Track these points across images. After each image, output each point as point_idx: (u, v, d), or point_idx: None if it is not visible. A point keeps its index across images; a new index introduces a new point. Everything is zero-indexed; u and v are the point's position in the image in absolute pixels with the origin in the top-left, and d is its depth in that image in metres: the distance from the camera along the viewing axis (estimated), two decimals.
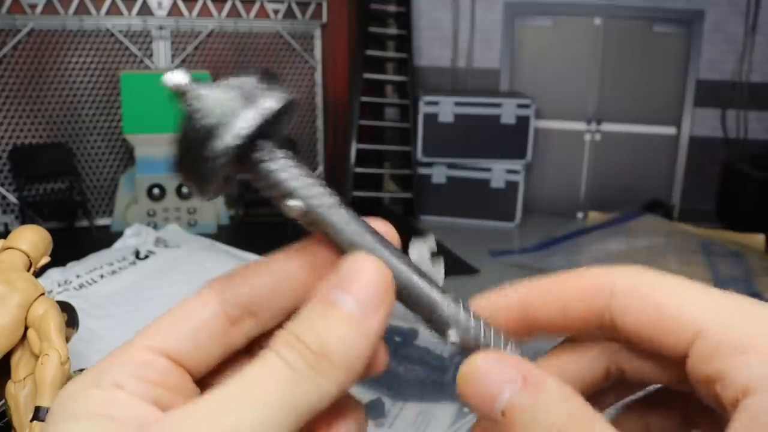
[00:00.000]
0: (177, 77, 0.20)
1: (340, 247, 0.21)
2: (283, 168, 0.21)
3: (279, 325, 0.22)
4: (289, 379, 0.19)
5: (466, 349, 0.22)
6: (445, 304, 0.22)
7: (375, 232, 0.21)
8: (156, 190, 2.26)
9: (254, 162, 0.21)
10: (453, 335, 0.22)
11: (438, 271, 0.23)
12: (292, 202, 0.21)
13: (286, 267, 0.22)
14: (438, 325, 0.22)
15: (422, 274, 0.22)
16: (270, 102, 0.20)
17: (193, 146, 0.20)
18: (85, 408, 0.20)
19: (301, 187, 0.21)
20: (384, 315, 0.20)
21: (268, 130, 0.21)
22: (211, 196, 0.21)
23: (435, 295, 0.22)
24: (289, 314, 0.22)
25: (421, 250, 0.23)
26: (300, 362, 0.19)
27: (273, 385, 0.19)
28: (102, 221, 2.45)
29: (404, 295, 0.22)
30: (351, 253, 0.21)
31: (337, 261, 0.21)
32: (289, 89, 0.21)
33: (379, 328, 0.20)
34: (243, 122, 0.19)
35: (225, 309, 0.22)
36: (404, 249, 0.25)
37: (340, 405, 0.23)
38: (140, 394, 0.21)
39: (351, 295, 0.20)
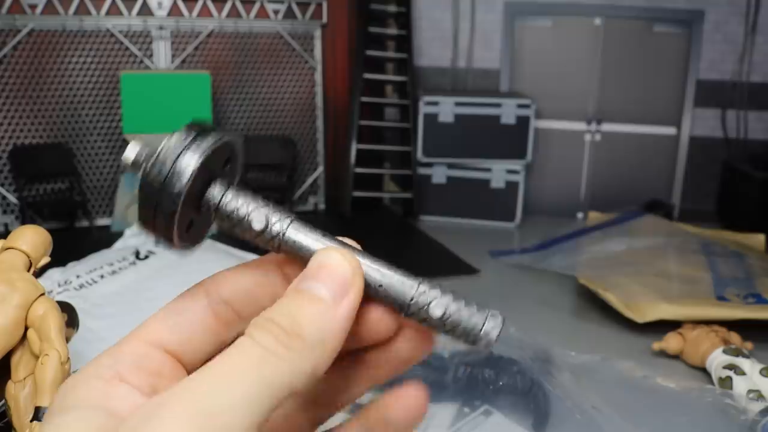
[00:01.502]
0: (131, 150, 0.23)
1: (303, 261, 0.24)
2: (232, 207, 0.24)
3: None
4: (262, 358, 0.20)
5: (451, 325, 0.24)
6: (419, 286, 0.24)
7: (337, 239, 0.24)
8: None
9: (207, 207, 0.24)
10: (436, 309, 0.24)
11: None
12: (250, 235, 0.24)
13: (263, 269, 0.24)
14: (418, 308, 0.24)
15: (390, 267, 0.24)
16: (208, 143, 0.22)
17: (146, 204, 0.23)
18: (84, 399, 0.21)
19: (255, 217, 0.23)
20: (353, 299, 0.21)
21: (210, 175, 0.24)
22: (181, 246, 0.24)
23: (407, 280, 0.24)
24: None
25: None
26: (273, 342, 0.20)
27: (247, 364, 0.19)
28: (102, 221, 2.45)
29: (380, 291, 0.24)
30: (320, 252, 0.23)
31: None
32: (221, 132, 0.24)
33: (348, 311, 0.21)
34: (178, 180, 0.22)
35: (212, 306, 0.24)
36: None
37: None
38: (139, 384, 0.22)
39: (319, 282, 0.21)
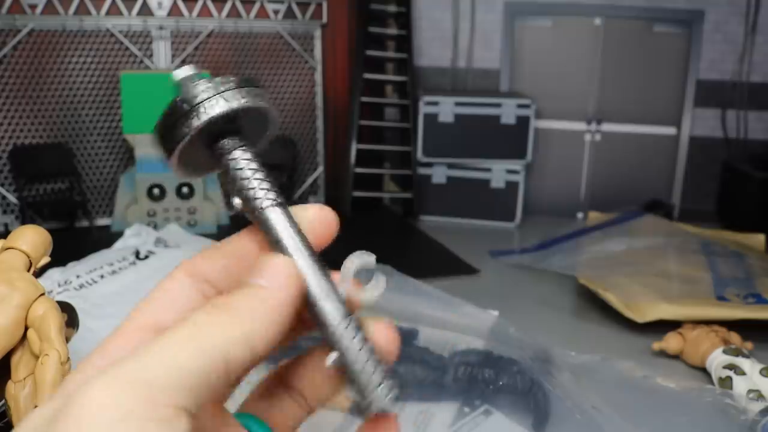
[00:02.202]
0: (182, 71, 0.24)
1: (269, 243, 0.25)
2: (236, 164, 0.25)
3: None
4: (194, 330, 0.21)
5: (343, 371, 0.24)
6: (333, 320, 0.24)
7: (302, 239, 0.25)
8: (156, 190, 2.26)
9: (216, 153, 0.25)
10: (331, 358, 0.24)
11: (373, 287, 0.26)
12: (236, 200, 0.25)
13: (239, 246, 0.26)
14: (325, 339, 0.24)
15: (326, 284, 0.25)
16: (233, 103, 0.24)
17: (166, 120, 0.24)
18: (63, 390, 0.22)
19: (248, 183, 0.25)
20: (288, 295, 0.23)
21: (233, 128, 0.25)
22: (177, 169, 0.26)
23: (328, 308, 0.24)
24: None
25: (351, 263, 0.27)
26: (205, 316, 0.21)
27: (180, 336, 0.21)
28: (102, 221, 2.45)
29: (308, 302, 0.24)
30: (267, 254, 0.24)
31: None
32: (267, 97, 0.25)
33: (283, 303, 0.22)
34: (200, 115, 0.24)
35: (196, 286, 0.25)
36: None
37: None
38: None
39: (261, 276, 0.23)
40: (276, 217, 0.23)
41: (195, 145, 0.24)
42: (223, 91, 0.24)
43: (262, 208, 0.24)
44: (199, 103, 0.24)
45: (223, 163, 0.25)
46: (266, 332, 0.22)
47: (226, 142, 0.25)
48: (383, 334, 0.27)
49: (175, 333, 0.21)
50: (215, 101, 0.24)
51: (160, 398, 0.19)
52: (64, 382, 0.23)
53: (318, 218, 0.27)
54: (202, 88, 0.24)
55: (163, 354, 0.20)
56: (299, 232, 0.24)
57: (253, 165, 0.25)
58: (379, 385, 0.24)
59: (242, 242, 0.26)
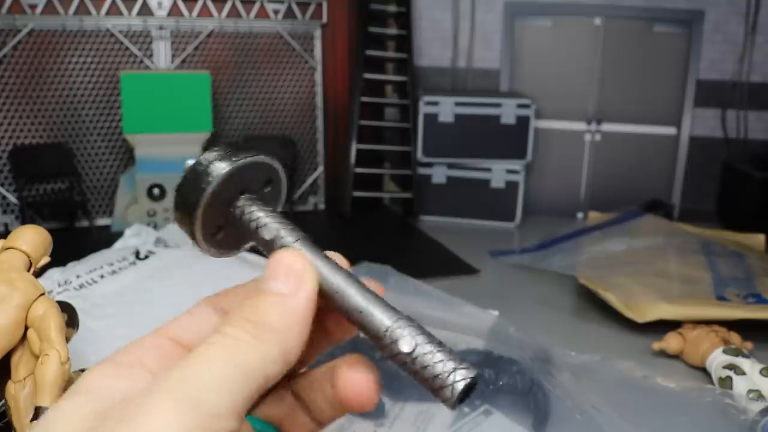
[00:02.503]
0: (190, 161, 0.26)
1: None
2: (253, 216, 0.26)
3: None
4: (234, 347, 0.22)
5: (418, 365, 0.23)
6: (398, 320, 0.24)
7: (333, 264, 0.25)
8: (156, 190, 2.26)
9: (232, 216, 0.27)
10: (404, 345, 0.23)
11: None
12: (262, 240, 0.26)
13: (247, 289, 0.27)
14: (391, 340, 0.24)
15: (375, 296, 0.25)
16: (242, 159, 0.25)
17: (183, 196, 0.26)
18: (87, 383, 0.23)
19: (266, 228, 0.26)
20: (308, 291, 0.24)
21: (244, 188, 0.26)
22: (207, 248, 0.27)
23: (388, 311, 0.24)
24: None
25: None
26: (242, 333, 0.22)
27: (221, 353, 0.22)
28: (102, 221, 2.45)
29: (358, 316, 0.24)
30: (276, 252, 0.25)
31: None
32: (268, 157, 0.27)
33: (305, 301, 0.23)
34: (205, 181, 0.25)
35: (216, 310, 0.27)
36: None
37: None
38: (155, 371, 0.25)
39: (276, 280, 0.24)
40: (307, 250, 0.25)
41: (211, 216, 0.26)
42: (223, 157, 0.25)
43: (285, 245, 0.25)
44: (199, 175, 0.25)
45: (241, 220, 0.26)
46: (298, 342, 0.23)
47: (239, 203, 0.26)
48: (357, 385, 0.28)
49: (219, 351, 0.22)
50: (219, 165, 0.25)
51: (215, 423, 0.20)
52: (88, 374, 0.23)
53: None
54: (201, 161, 0.25)
55: (214, 374, 0.21)
56: (328, 260, 0.25)
57: (269, 213, 0.26)
58: (450, 374, 0.23)
59: (252, 285, 0.28)
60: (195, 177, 0.25)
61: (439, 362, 0.23)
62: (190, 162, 0.27)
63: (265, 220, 0.26)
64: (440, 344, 0.23)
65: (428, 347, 0.23)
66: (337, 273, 0.25)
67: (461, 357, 0.23)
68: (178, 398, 0.20)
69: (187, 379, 0.21)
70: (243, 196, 0.26)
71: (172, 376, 0.21)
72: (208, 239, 0.27)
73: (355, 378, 0.26)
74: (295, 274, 0.24)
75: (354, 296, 0.24)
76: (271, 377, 0.22)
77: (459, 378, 0.22)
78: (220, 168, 0.25)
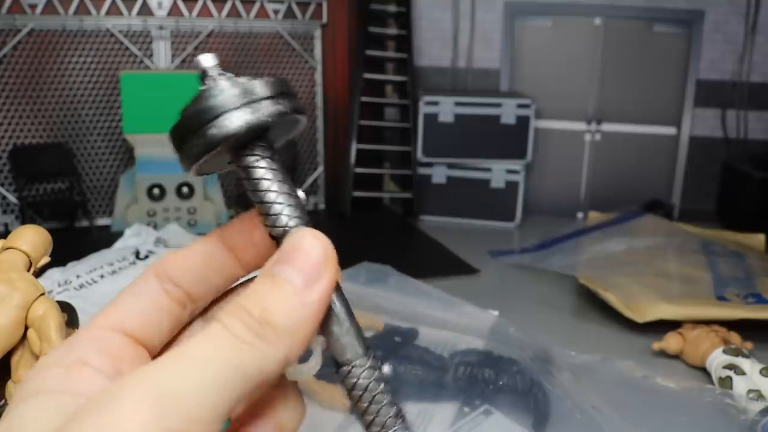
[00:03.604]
0: (205, 60, 0.22)
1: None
2: (259, 183, 0.23)
3: (216, 301, 0.25)
4: (232, 346, 0.19)
5: (371, 408, 0.22)
6: (371, 358, 0.23)
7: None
8: (156, 190, 2.26)
9: (240, 159, 0.23)
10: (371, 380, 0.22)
11: (311, 364, 0.23)
12: (262, 208, 0.23)
13: (207, 249, 0.24)
14: (357, 373, 0.22)
15: (357, 325, 0.23)
16: (268, 109, 0.22)
17: (189, 123, 0.21)
18: (44, 385, 0.21)
19: (272, 206, 0.23)
20: (326, 284, 0.21)
21: (261, 134, 0.22)
22: (194, 171, 0.23)
23: (362, 344, 0.22)
24: (219, 291, 0.24)
25: None
26: (244, 331, 0.20)
27: (218, 351, 0.19)
28: (102, 221, 2.45)
29: (336, 333, 0.23)
30: (295, 234, 0.22)
31: (259, 242, 0.23)
32: (299, 101, 0.23)
33: (321, 297, 0.20)
34: (235, 122, 0.21)
35: (164, 287, 0.24)
36: None
37: (283, 389, 0.24)
38: (102, 367, 0.22)
39: (292, 266, 0.20)
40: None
41: (217, 153, 0.22)
42: (253, 101, 0.21)
43: (288, 228, 0.22)
44: (226, 112, 0.21)
45: (247, 171, 0.23)
46: (304, 344, 0.21)
47: (251, 156, 0.23)
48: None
49: (211, 346, 0.19)
50: (246, 113, 0.21)
51: (192, 420, 0.18)
52: (33, 377, 0.22)
53: None
54: (231, 94, 0.21)
55: (200, 371, 0.19)
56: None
57: (276, 184, 0.23)
58: (391, 422, 0.23)
59: (212, 245, 0.24)
60: (219, 109, 0.21)
61: (392, 411, 0.22)
62: (206, 68, 0.22)
63: (270, 196, 0.23)
64: (392, 395, 0.23)
65: (385, 388, 0.22)
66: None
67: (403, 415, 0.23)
68: (156, 395, 0.18)
69: (172, 376, 0.19)
70: (253, 149, 0.23)
71: (154, 369, 0.19)
72: (199, 167, 0.23)
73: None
74: (315, 262, 0.21)
75: (341, 313, 0.22)
76: (268, 381, 0.20)
77: (400, 426, 0.22)
78: (250, 118, 0.21)
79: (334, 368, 0.23)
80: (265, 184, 0.23)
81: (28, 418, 0.20)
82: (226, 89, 0.22)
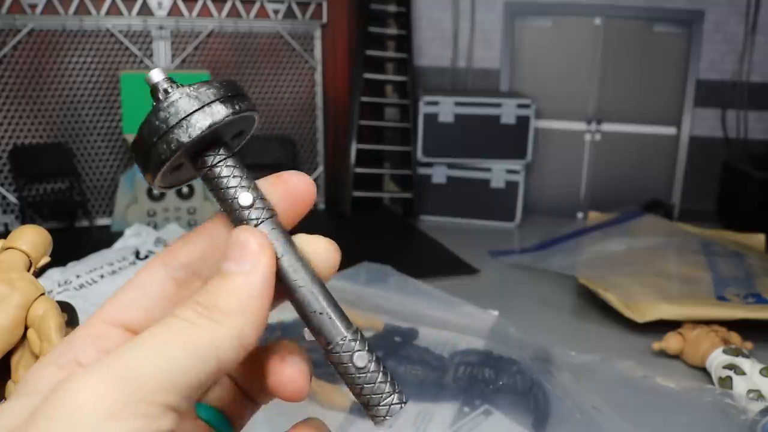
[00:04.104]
0: (155, 75, 0.23)
1: None
2: (219, 182, 0.24)
3: None
4: (185, 328, 0.21)
5: (363, 381, 0.23)
6: (353, 333, 0.23)
7: (287, 240, 0.23)
8: (156, 190, 2.26)
9: (199, 165, 0.24)
10: (359, 360, 0.23)
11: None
12: (230, 206, 0.23)
13: (214, 231, 0.25)
14: (344, 350, 0.23)
15: (335, 304, 0.24)
16: (218, 113, 0.22)
17: (146, 138, 0.22)
18: (35, 386, 0.21)
19: (233, 203, 0.24)
20: (263, 270, 0.22)
21: (216, 138, 0.23)
22: (159, 184, 0.24)
23: (344, 322, 0.23)
24: None
25: None
26: (194, 315, 0.21)
27: (171, 335, 0.21)
28: (102, 221, 2.45)
29: (315, 317, 0.23)
30: (234, 232, 0.23)
31: None
32: (250, 100, 0.24)
33: (261, 279, 0.22)
34: (187, 128, 0.22)
35: (170, 274, 0.25)
36: None
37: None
38: None
39: (232, 260, 0.22)
40: (273, 230, 0.23)
41: (177, 162, 0.23)
42: (203, 106, 0.22)
43: (260, 221, 0.22)
44: (179, 122, 0.22)
45: (209, 175, 0.24)
46: (255, 325, 0.22)
47: (207, 158, 0.24)
48: (323, 248, 0.25)
49: (166, 332, 0.21)
50: (197, 118, 0.22)
51: (149, 396, 0.19)
52: (30, 376, 0.22)
53: (325, 250, 0.26)
54: (181, 102, 0.22)
55: (155, 353, 0.20)
56: (289, 243, 0.23)
57: (241, 175, 0.24)
58: (391, 396, 0.24)
59: (216, 227, 0.25)
60: (173, 119, 0.22)
61: (382, 383, 0.23)
62: (154, 83, 0.23)
63: (238, 188, 0.23)
64: (384, 366, 0.24)
65: (377, 366, 0.23)
66: (302, 266, 0.24)
67: (396, 381, 0.24)
68: (111, 373, 0.19)
69: (126, 357, 0.20)
70: (216, 149, 0.23)
71: (110, 355, 0.20)
72: (164, 180, 0.24)
73: (286, 372, 0.25)
74: (249, 252, 0.23)
75: (315, 295, 0.23)
76: (226, 361, 0.21)
77: (396, 401, 0.24)
78: (203, 122, 0.22)
79: (333, 368, 0.24)
80: (222, 183, 0.24)
81: (4, 416, 0.20)
82: (176, 99, 0.22)
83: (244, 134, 0.26)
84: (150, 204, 2.27)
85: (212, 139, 0.23)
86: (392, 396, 0.24)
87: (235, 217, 0.24)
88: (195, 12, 2.47)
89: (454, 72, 2.78)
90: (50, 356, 0.23)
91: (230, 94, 0.23)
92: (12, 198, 2.34)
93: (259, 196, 0.24)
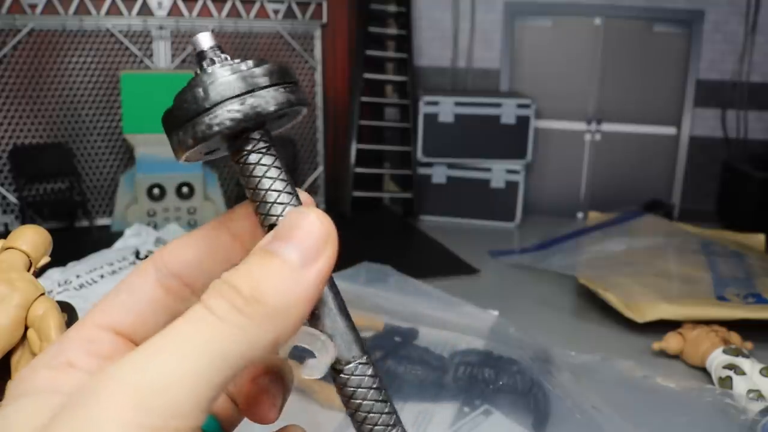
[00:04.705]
0: (203, 40, 0.21)
1: None
2: (255, 169, 0.22)
3: None
4: (216, 329, 0.18)
5: (365, 409, 0.22)
6: (367, 357, 0.22)
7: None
8: (156, 190, 2.26)
9: (235, 147, 0.22)
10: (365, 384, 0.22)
11: (319, 360, 0.22)
12: (257, 195, 0.21)
13: (210, 236, 0.22)
14: (353, 372, 0.22)
15: (338, 295, 0.22)
16: (268, 99, 0.20)
17: (183, 111, 0.20)
18: (32, 387, 0.21)
19: (267, 196, 0.21)
20: (325, 264, 0.19)
21: (258, 123, 0.22)
22: (184, 159, 0.22)
23: (359, 344, 0.22)
24: None
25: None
26: (229, 310, 0.18)
27: (198, 336, 0.18)
28: (102, 221, 2.45)
29: (335, 326, 0.22)
30: (297, 210, 0.20)
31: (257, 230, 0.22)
32: (302, 90, 0.22)
33: (318, 277, 0.19)
34: (229, 113, 0.20)
35: (160, 279, 0.22)
36: None
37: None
38: (90, 369, 0.21)
39: (289, 243, 0.19)
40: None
41: (211, 143, 0.21)
42: (252, 90, 0.20)
43: (282, 217, 0.21)
44: (226, 100, 0.20)
45: (242, 159, 0.22)
46: (296, 327, 0.19)
47: (248, 144, 0.22)
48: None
49: (193, 332, 0.18)
50: (248, 102, 0.20)
51: (174, 423, 0.17)
52: (24, 376, 0.21)
53: None
54: (232, 80, 0.20)
55: (179, 364, 0.17)
56: None
57: (274, 166, 0.22)
58: (390, 429, 0.22)
59: (215, 233, 0.23)
60: (217, 98, 0.20)
61: (387, 414, 0.22)
62: (204, 49, 0.21)
63: (270, 177, 0.21)
64: (392, 401, 0.22)
65: (385, 396, 0.22)
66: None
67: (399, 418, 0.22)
68: (134, 389, 0.17)
69: (149, 367, 0.17)
70: (250, 137, 0.22)
71: (131, 360, 0.17)
72: (192, 154, 0.22)
73: (258, 400, 0.23)
74: (316, 240, 0.19)
75: (337, 312, 0.21)
76: (256, 362, 0.19)
77: None
78: (249, 108, 0.20)
79: (337, 390, 0.23)
80: (260, 171, 0.21)
81: (13, 419, 0.19)
82: (222, 76, 0.20)
83: (285, 120, 0.24)
84: (150, 204, 2.27)
85: (256, 124, 0.22)
86: (396, 428, 0.22)
87: (265, 210, 0.21)
88: (195, 12, 2.47)
89: (454, 72, 2.78)
90: (42, 358, 0.21)
91: (285, 81, 0.21)
92: (12, 198, 2.34)
93: (295, 192, 0.22)
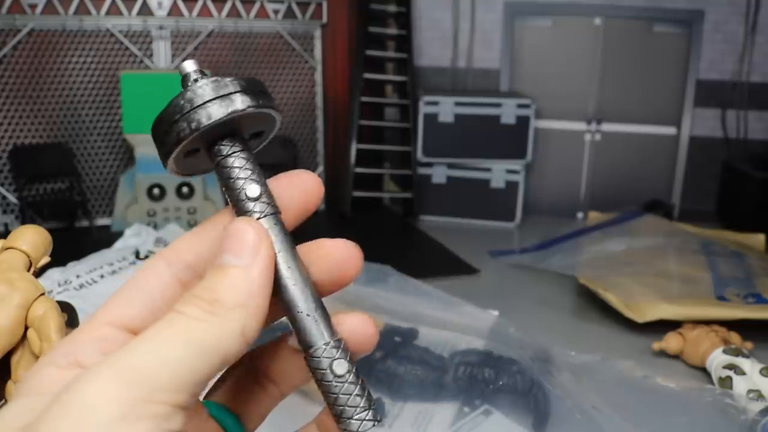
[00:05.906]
0: (187, 65, 0.24)
1: None
2: (229, 172, 0.24)
3: None
4: (189, 325, 0.21)
5: (340, 391, 0.23)
6: (336, 341, 0.23)
7: (286, 238, 0.23)
8: (156, 190, 2.26)
9: (213, 153, 0.25)
10: (338, 367, 0.23)
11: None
12: (238, 198, 0.24)
13: (220, 228, 0.25)
14: (323, 356, 0.23)
15: (323, 310, 0.24)
16: (240, 101, 0.23)
17: (164, 119, 0.23)
18: (36, 386, 0.21)
19: (239, 193, 0.24)
20: (262, 261, 0.23)
21: (234, 130, 0.24)
22: (172, 168, 0.25)
23: (329, 328, 0.23)
24: None
25: None
26: (197, 311, 0.21)
27: (176, 331, 0.21)
28: (102, 221, 2.45)
29: (299, 317, 0.23)
30: (231, 223, 0.23)
31: None
32: (273, 99, 0.24)
33: (261, 272, 0.22)
34: (204, 113, 0.23)
35: (175, 273, 0.24)
36: None
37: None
38: None
39: (230, 252, 0.23)
40: (274, 226, 0.23)
41: (194, 146, 0.24)
42: (225, 95, 0.23)
43: (263, 215, 0.23)
44: (199, 106, 0.23)
45: (221, 164, 0.24)
46: (257, 318, 0.22)
47: (223, 147, 0.24)
48: (359, 327, 0.25)
49: (169, 329, 0.21)
50: (219, 104, 0.23)
51: (158, 396, 0.19)
52: (30, 376, 0.22)
53: (344, 254, 0.26)
54: (207, 89, 0.23)
55: (160, 351, 0.20)
56: (287, 241, 0.23)
57: (251, 169, 0.24)
58: (365, 410, 0.23)
59: (221, 224, 0.25)
60: (194, 103, 0.23)
61: (359, 396, 0.23)
62: (185, 73, 0.24)
63: (246, 181, 0.24)
64: (363, 381, 0.24)
65: (355, 378, 0.23)
66: (296, 266, 0.24)
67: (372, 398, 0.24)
68: (119, 374, 0.19)
69: (132, 357, 0.20)
70: (225, 142, 0.24)
71: (116, 355, 0.20)
72: (178, 164, 0.25)
73: (355, 320, 0.25)
74: (248, 245, 0.23)
75: (304, 296, 0.23)
76: (229, 355, 0.21)
77: (370, 417, 0.23)
78: (222, 109, 0.23)
79: (311, 373, 0.24)
80: (233, 174, 0.24)
81: (8, 417, 0.20)
82: (202, 86, 0.23)
83: (264, 136, 0.26)
84: (150, 204, 2.27)
85: (231, 129, 0.24)
86: (367, 412, 0.23)
87: (239, 208, 0.24)
88: (195, 12, 2.47)
89: (454, 72, 2.78)
90: (50, 356, 0.22)
91: (254, 89, 0.24)
92: (12, 198, 2.34)
93: (267, 192, 0.24)
